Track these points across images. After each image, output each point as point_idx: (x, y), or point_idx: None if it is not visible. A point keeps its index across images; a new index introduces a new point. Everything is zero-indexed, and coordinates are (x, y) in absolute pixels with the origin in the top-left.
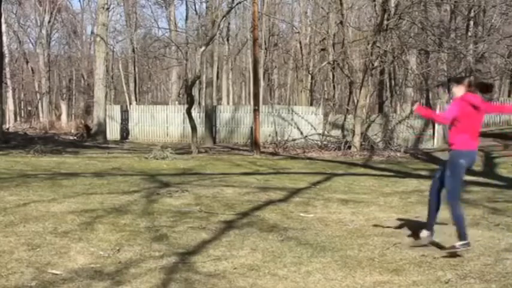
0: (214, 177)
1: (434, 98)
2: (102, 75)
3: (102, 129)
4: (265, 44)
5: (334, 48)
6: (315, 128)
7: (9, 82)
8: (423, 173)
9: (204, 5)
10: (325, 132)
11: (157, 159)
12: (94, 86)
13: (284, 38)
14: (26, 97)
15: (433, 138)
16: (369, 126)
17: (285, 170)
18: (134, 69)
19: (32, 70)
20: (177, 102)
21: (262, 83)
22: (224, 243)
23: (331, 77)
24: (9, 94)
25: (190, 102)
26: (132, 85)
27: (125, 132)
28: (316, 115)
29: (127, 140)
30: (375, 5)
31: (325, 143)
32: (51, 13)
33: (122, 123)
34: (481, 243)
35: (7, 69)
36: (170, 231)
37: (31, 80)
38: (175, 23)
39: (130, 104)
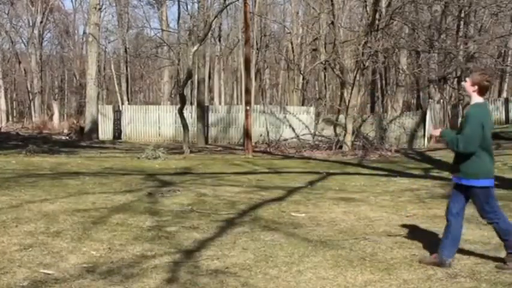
0: (206, 177)
1: (425, 98)
2: (94, 75)
3: (94, 129)
4: (256, 44)
5: (325, 48)
6: (308, 128)
7: (1, 82)
8: (415, 172)
9: (196, 5)
10: (317, 132)
11: (149, 159)
12: (86, 86)
13: (276, 38)
14: (18, 97)
15: (424, 138)
16: (360, 125)
17: (277, 170)
18: (126, 69)
19: (24, 70)
20: (169, 102)
21: (254, 83)
22: (216, 242)
23: (322, 77)
24: (1, 94)
25: (182, 102)
26: (124, 85)
27: (117, 132)
28: (308, 115)
29: (119, 140)
30: (366, 6)
31: (317, 142)
32: (43, 13)
33: (114, 123)
34: (471, 242)
35: None
36: (162, 231)
37: (23, 80)
38: (167, 23)
39: (122, 104)
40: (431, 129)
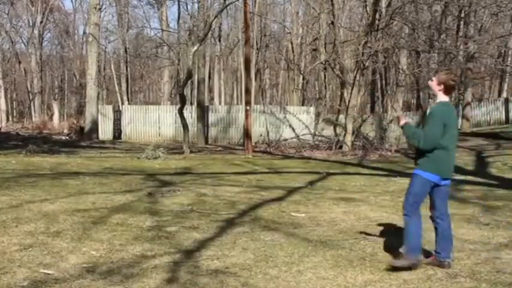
0: (206, 177)
1: (425, 98)
2: (94, 75)
3: (94, 129)
4: (256, 44)
5: (325, 48)
6: (308, 128)
7: (1, 82)
8: None
9: (196, 5)
10: (317, 132)
11: (149, 159)
12: (86, 86)
13: (276, 38)
14: (18, 97)
15: None
16: (360, 125)
17: (277, 170)
18: (126, 69)
19: (24, 70)
20: (169, 102)
21: (254, 83)
22: (216, 242)
23: (322, 77)
24: (2, 94)
25: (182, 102)
26: (124, 85)
27: (117, 132)
28: (308, 115)
29: (119, 140)
30: (366, 6)
31: (317, 142)
32: (43, 13)
33: (114, 123)
34: (471, 242)
35: None
36: (162, 230)
37: (23, 80)
38: (167, 23)
39: (122, 104)
40: (398, 114)
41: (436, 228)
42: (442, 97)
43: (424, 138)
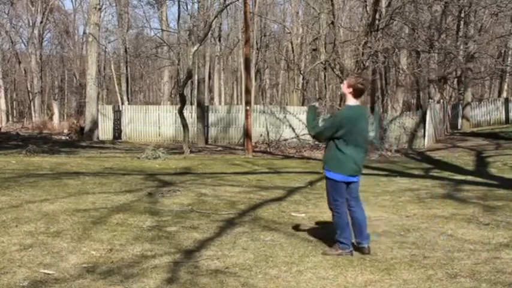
0: (206, 177)
1: (425, 98)
2: (94, 75)
3: (94, 129)
4: (256, 44)
5: (325, 48)
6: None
7: (1, 82)
8: (415, 172)
9: (196, 5)
10: None
11: (149, 159)
12: (86, 86)
13: (276, 38)
14: (18, 97)
15: (424, 138)
16: None
17: (277, 170)
18: (126, 70)
19: (24, 70)
20: (169, 102)
21: (254, 83)
22: (216, 242)
23: (322, 77)
24: (2, 94)
25: (182, 102)
26: (124, 85)
27: (117, 132)
28: None
29: (119, 140)
30: (366, 6)
31: (316, 142)
32: (43, 13)
33: (114, 123)
34: (471, 242)
35: None
36: (162, 230)
37: (23, 80)
38: (167, 23)
39: (122, 104)
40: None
41: (351, 217)
42: (350, 100)
43: (319, 131)
